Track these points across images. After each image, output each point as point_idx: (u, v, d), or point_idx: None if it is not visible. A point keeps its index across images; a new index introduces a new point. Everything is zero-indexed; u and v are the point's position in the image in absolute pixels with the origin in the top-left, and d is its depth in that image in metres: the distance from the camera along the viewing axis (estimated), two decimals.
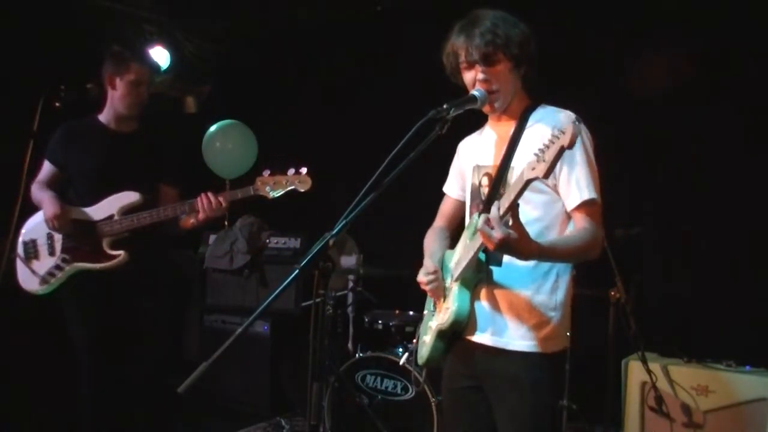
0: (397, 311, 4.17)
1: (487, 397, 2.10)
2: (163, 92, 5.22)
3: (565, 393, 3.53)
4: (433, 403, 3.47)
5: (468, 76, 2.07)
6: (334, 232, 1.78)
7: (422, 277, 2.15)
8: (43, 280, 3.01)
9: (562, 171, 1.98)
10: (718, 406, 3.21)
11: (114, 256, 2.97)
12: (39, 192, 3.10)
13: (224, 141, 5.09)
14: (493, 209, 1.76)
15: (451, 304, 2.05)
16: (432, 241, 2.34)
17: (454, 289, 2.07)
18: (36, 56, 4.14)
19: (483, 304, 2.06)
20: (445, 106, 1.92)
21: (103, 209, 3.00)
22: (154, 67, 3.19)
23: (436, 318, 2.15)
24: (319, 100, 5.31)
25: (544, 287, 2.03)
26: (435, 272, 2.13)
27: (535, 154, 1.66)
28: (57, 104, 3.19)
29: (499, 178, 2.05)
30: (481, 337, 2.06)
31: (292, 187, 2.85)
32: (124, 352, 3.07)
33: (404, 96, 4.66)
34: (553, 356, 2.04)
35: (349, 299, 4.40)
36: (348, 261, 4.64)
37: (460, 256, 2.07)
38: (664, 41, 3.95)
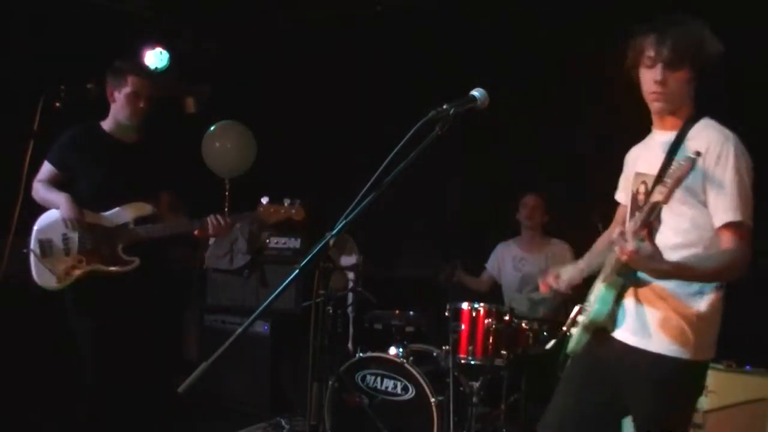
0: (397, 311, 4.16)
1: (607, 388, 2.17)
2: (164, 92, 5.22)
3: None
4: (433, 403, 3.47)
5: (647, 74, 2.10)
6: (334, 232, 1.78)
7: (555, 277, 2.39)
8: (60, 278, 3.07)
9: (710, 190, 2.01)
10: (718, 406, 3.20)
11: (128, 261, 3.09)
12: (47, 192, 3.15)
13: (223, 141, 5.09)
14: (629, 223, 1.90)
15: (594, 303, 2.15)
16: (602, 243, 2.46)
17: (601, 288, 2.15)
18: (36, 56, 4.14)
19: (627, 304, 2.13)
20: (445, 106, 1.92)
21: (118, 216, 3.12)
22: (153, 78, 3.27)
23: (584, 314, 2.24)
24: (318, 99, 5.31)
25: (685, 295, 2.05)
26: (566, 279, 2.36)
27: (664, 180, 1.85)
28: (57, 104, 3.21)
29: (653, 187, 2.08)
30: (622, 335, 2.13)
31: (288, 216, 3.12)
32: (129, 352, 3.10)
33: (404, 96, 4.67)
34: (691, 364, 2.05)
35: (349, 299, 4.40)
36: (348, 261, 4.64)
37: (609, 258, 2.15)
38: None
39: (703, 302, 2.05)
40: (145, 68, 3.85)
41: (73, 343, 3.11)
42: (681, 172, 1.82)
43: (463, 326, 3.73)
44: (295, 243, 4.75)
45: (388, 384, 3.67)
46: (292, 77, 5.43)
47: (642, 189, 2.17)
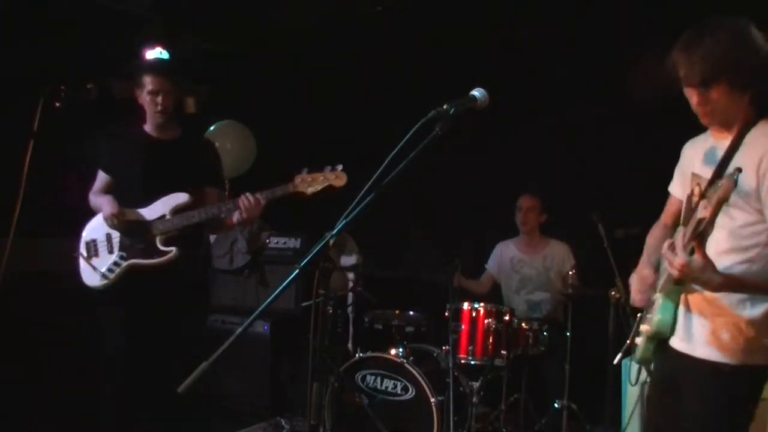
0: (397, 311, 4.17)
1: (671, 398, 2.13)
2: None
3: (568, 395, 3.52)
4: (433, 403, 3.47)
5: (687, 93, 2.05)
6: (334, 231, 1.78)
7: (634, 293, 2.25)
8: (104, 276, 3.12)
9: (766, 199, 1.94)
10: None
11: (166, 252, 3.11)
12: (95, 199, 3.25)
13: (223, 141, 5.09)
14: (678, 235, 1.84)
15: (655, 314, 2.12)
16: (654, 239, 2.35)
17: (659, 299, 2.12)
18: (36, 56, 4.14)
19: (680, 312, 2.11)
20: (445, 106, 1.92)
21: (156, 209, 3.15)
22: (168, 73, 3.25)
23: (647, 322, 2.19)
24: (318, 100, 5.31)
25: (735, 301, 2.00)
26: (646, 290, 2.21)
27: (707, 198, 1.77)
28: (57, 104, 3.21)
29: (704, 193, 1.99)
30: (674, 341, 2.12)
31: (328, 183, 2.94)
32: (161, 354, 3.09)
33: (404, 96, 4.66)
34: (737, 369, 1.99)
35: (349, 299, 4.40)
36: (348, 261, 4.64)
37: (663, 267, 2.09)
38: (666, 44, 3.95)
39: (755, 309, 1.99)
40: (160, 64, 3.83)
41: (73, 343, 3.11)
42: (722, 192, 1.74)
43: (463, 326, 3.74)
44: (295, 243, 4.75)
45: (388, 384, 3.67)
46: (292, 77, 5.43)
47: (696, 191, 2.08)
